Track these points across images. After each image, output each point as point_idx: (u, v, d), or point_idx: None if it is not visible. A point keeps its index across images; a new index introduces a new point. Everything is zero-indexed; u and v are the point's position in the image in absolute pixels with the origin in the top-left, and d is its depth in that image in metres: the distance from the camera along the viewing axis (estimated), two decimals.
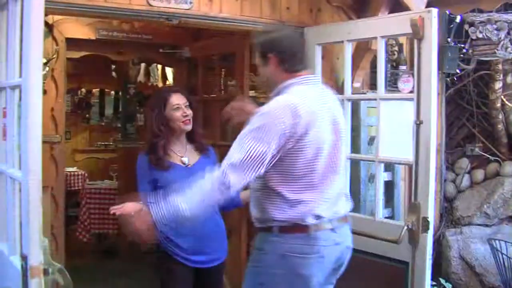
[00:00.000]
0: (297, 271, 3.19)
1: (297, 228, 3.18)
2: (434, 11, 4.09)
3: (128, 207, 3.43)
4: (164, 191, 3.46)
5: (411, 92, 4.40)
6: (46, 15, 2.55)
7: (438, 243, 5.95)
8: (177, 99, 4.10)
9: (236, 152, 3.08)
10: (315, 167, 3.17)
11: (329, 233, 3.25)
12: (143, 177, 4.08)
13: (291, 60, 3.29)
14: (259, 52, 3.39)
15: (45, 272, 2.49)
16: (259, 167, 3.07)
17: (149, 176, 4.05)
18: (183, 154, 4.16)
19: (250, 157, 3.04)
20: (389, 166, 5.53)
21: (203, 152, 4.24)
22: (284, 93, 3.25)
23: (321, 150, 3.17)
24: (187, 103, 4.13)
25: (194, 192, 3.12)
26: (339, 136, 3.32)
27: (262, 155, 3.04)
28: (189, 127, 4.12)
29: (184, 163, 4.13)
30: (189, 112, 4.11)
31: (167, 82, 10.33)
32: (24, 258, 2.49)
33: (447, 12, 5.78)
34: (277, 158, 3.10)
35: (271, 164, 3.11)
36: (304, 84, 3.28)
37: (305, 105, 3.12)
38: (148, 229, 3.17)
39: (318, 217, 3.19)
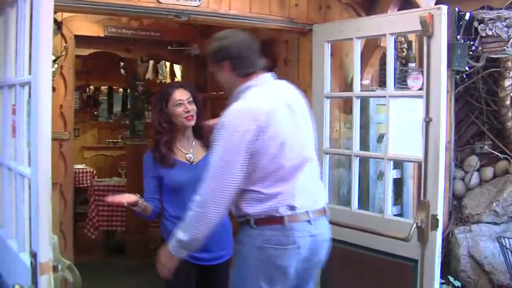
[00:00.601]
0: (274, 262, 3.27)
1: (273, 219, 3.26)
2: (444, 8, 4.07)
3: (123, 198, 3.67)
4: (170, 189, 3.79)
5: (421, 89, 4.39)
6: (55, 12, 2.54)
7: (447, 241, 5.93)
8: (180, 95, 4.04)
9: (211, 181, 3.21)
10: (282, 161, 3.25)
11: (305, 225, 3.33)
12: (147, 172, 4.11)
13: (242, 64, 3.39)
14: (212, 61, 3.49)
15: (55, 269, 2.49)
16: (236, 182, 3.20)
17: (153, 172, 4.06)
18: (188, 151, 4.13)
19: (225, 182, 3.19)
20: (398, 164, 5.51)
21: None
22: (240, 98, 3.34)
23: (284, 144, 3.25)
24: (191, 99, 4.07)
25: (189, 220, 3.29)
26: (303, 127, 3.44)
27: (236, 174, 3.19)
28: (191, 123, 4.07)
29: (188, 160, 4.10)
30: (192, 107, 4.05)
31: (176, 79, 10.34)
32: (33, 255, 2.49)
33: (457, 9, 5.77)
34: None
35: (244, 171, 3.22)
36: (258, 86, 3.38)
37: (259, 106, 3.23)
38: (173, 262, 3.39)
39: (292, 207, 3.28)
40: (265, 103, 3.26)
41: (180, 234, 3.29)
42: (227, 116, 3.24)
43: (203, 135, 4.18)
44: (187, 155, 4.10)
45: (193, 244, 3.33)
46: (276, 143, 3.21)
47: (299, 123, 3.41)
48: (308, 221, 3.34)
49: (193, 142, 4.17)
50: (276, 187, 3.26)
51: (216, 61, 3.45)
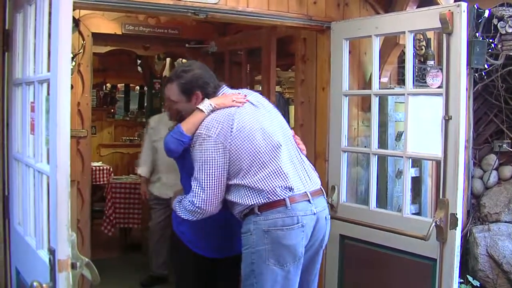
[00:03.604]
0: (281, 243, 3.49)
1: (275, 203, 3.51)
2: (464, 5, 4.04)
3: None
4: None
5: (440, 87, 4.35)
6: (73, 10, 2.53)
7: (465, 240, 5.91)
8: None
9: (199, 190, 3.55)
10: (257, 149, 3.56)
11: (306, 204, 3.58)
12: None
13: (209, 88, 3.77)
14: (181, 92, 3.77)
15: (73, 266, 2.49)
16: (223, 181, 3.57)
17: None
18: None
19: (213, 187, 3.54)
20: (416, 162, 5.49)
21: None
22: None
23: (253, 134, 3.59)
24: None
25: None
26: (269, 117, 3.75)
27: (220, 177, 3.55)
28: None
29: None
30: None
31: None
32: (52, 252, 2.48)
33: (476, 6, 5.73)
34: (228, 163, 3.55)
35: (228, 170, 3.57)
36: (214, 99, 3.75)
37: (222, 112, 3.63)
38: None
39: (290, 188, 3.54)
40: (226, 109, 3.66)
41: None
42: (200, 128, 3.60)
43: None
44: None
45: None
46: (244, 135, 3.56)
47: (265, 115, 3.75)
48: (308, 200, 3.59)
49: None
50: (263, 174, 3.53)
51: (186, 92, 3.77)
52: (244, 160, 3.53)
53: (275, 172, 3.54)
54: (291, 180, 3.55)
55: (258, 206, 3.51)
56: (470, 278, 5.68)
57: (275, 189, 3.50)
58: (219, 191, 3.55)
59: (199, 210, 3.56)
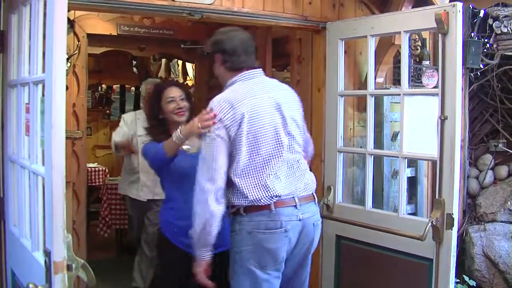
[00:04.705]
0: (263, 245, 3.50)
1: (260, 206, 3.50)
2: (459, 5, 4.04)
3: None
4: (171, 177, 4.10)
5: (435, 87, 4.36)
6: (68, 10, 2.52)
7: (461, 240, 5.91)
8: (172, 92, 4.29)
9: (204, 169, 3.50)
10: (260, 150, 3.50)
11: (291, 210, 3.56)
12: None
13: (233, 59, 3.65)
14: (209, 53, 3.80)
15: (69, 268, 2.48)
16: (220, 161, 3.47)
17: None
18: (185, 143, 4.27)
19: (212, 163, 3.47)
20: (412, 162, 5.49)
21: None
22: (226, 90, 3.65)
23: (264, 136, 3.51)
24: (183, 96, 4.31)
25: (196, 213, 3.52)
26: (286, 118, 3.61)
27: (218, 154, 3.47)
28: (182, 119, 4.25)
29: (186, 151, 4.23)
30: (184, 104, 4.28)
31: (188, 78, 10.34)
32: (47, 253, 2.48)
33: (471, 6, 5.73)
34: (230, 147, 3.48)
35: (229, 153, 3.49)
36: (244, 80, 3.64)
37: (240, 97, 3.51)
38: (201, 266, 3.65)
39: (276, 196, 3.50)
40: (246, 95, 3.53)
41: (192, 232, 3.56)
42: (209, 106, 3.53)
43: None
44: (183, 147, 4.21)
45: (205, 235, 3.52)
46: (253, 131, 3.48)
47: (283, 115, 3.61)
48: (295, 206, 3.57)
49: None
50: (254, 180, 3.50)
51: (212, 53, 3.74)
52: (240, 155, 3.47)
53: (263, 185, 3.50)
54: (280, 186, 3.53)
55: (244, 208, 3.52)
56: (466, 278, 5.68)
57: (261, 199, 3.49)
58: (218, 172, 3.47)
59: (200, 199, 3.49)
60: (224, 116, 3.43)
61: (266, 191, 3.49)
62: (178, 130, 3.82)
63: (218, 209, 3.46)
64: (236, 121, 3.43)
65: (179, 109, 4.26)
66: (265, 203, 3.48)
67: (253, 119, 3.47)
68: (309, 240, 3.67)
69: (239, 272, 3.57)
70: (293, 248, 3.61)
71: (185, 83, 10.56)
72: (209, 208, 3.43)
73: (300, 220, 3.57)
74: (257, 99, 3.54)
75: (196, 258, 3.62)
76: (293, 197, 3.57)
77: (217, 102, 3.50)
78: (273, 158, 3.53)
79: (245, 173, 3.50)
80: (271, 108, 3.57)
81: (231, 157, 3.49)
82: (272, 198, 3.49)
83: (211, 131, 3.46)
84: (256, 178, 3.50)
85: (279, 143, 3.56)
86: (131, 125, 6.12)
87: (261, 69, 3.74)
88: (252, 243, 3.50)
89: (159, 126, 4.31)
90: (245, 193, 3.49)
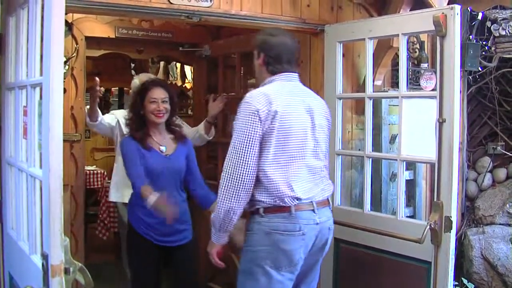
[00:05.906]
0: (280, 247, 3.55)
1: (280, 208, 3.56)
2: (457, 7, 4.04)
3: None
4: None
5: (434, 90, 4.36)
6: (66, 13, 2.52)
7: (460, 242, 5.90)
8: (156, 93, 4.49)
9: (235, 158, 3.52)
10: (286, 149, 3.58)
11: (309, 214, 3.63)
12: (135, 157, 4.35)
13: (275, 63, 3.76)
14: (255, 48, 3.85)
15: (66, 271, 2.48)
16: (252, 150, 3.50)
17: (138, 155, 4.35)
18: (161, 143, 4.50)
19: (243, 153, 3.49)
20: (410, 165, 5.48)
21: (180, 140, 4.62)
22: (265, 86, 3.75)
23: (292, 135, 3.59)
24: (166, 99, 4.51)
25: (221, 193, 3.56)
26: (315, 125, 3.74)
27: (249, 142, 3.49)
28: (160, 120, 4.49)
29: (162, 152, 4.46)
30: (164, 106, 4.49)
31: (186, 81, 10.33)
32: (45, 257, 2.48)
33: (469, 9, 5.73)
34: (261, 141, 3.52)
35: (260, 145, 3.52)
36: (281, 80, 3.75)
37: (277, 94, 3.59)
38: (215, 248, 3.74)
39: (297, 199, 3.57)
40: (281, 93, 3.62)
41: (213, 216, 3.63)
42: (245, 98, 3.59)
43: (175, 131, 4.67)
44: (160, 147, 4.47)
45: (227, 222, 3.58)
46: (283, 131, 3.54)
47: (313, 120, 3.73)
48: (313, 210, 3.65)
49: (166, 136, 4.58)
50: (280, 176, 3.56)
51: (257, 51, 3.83)
52: (267, 151, 3.52)
53: (287, 183, 3.57)
54: (300, 189, 3.60)
55: (264, 208, 3.57)
56: (465, 281, 5.68)
57: (284, 198, 3.54)
58: (247, 167, 3.51)
59: (227, 184, 3.54)
60: (261, 109, 3.49)
61: (290, 190, 3.56)
62: (152, 198, 3.98)
63: (244, 199, 3.53)
64: (270, 116, 3.49)
65: (158, 111, 4.45)
66: (287, 204, 3.54)
67: (285, 117, 3.55)
68: (322, 243, 3.77)
69: (254, 271, 3.62)
70: (309, 251, 3.68)
71: (184, 85, 10.57)
72: (237, 197, 3.50)
73: (317, 224, 3.66)
74: (292, 99, 3.66)
75: (212, 239, 3.69)
76: (311, 202, 3.65)
77: (256, 95, 3.58)
78: (296, 159, 3.62)
79: (272, 169, 3.54)
80: (303, 111, 3.69)
81: (260, 151, 3.53)
82: (294, 200, 3.56)
83: (246, 124, 3.50)
84: (281, 176, 3.56)
85: (304, 146, 3.66)
86: (118, 125, 6.11)
87: (297, 74, 3.86)
88: (269, 243, 3.56)
89: (138, 121, 4.49)
90: (270, 189, 3.55)
